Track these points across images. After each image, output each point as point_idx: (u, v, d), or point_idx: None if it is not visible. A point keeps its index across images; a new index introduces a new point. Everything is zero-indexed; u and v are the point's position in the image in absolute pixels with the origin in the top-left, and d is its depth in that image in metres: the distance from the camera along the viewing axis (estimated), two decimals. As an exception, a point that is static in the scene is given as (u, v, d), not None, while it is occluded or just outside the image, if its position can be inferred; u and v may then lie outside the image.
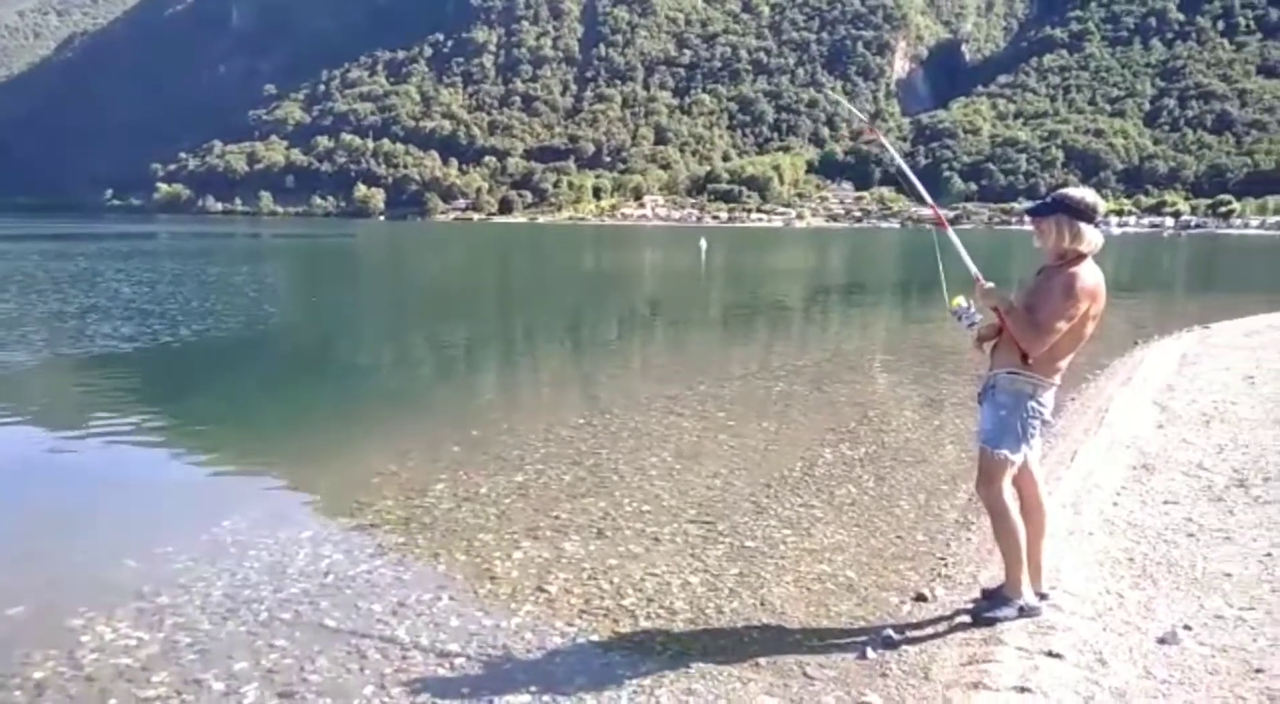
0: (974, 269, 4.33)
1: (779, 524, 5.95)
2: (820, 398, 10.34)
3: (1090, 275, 4.05)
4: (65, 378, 11.96)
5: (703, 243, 57.48)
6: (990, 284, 4.21)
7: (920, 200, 4.86)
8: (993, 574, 4.77)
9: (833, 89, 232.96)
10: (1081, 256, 4.08)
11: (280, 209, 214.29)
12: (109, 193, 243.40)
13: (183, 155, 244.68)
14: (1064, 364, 4.22)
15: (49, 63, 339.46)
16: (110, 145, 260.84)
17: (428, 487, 6.80)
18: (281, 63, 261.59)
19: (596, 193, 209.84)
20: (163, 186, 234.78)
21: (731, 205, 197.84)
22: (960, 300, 4.32)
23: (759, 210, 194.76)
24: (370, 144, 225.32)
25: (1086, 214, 4.05)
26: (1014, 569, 4.32)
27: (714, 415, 9.29)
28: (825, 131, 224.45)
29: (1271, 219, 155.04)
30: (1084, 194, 4.12)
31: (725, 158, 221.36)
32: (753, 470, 7.25)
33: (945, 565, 5.21)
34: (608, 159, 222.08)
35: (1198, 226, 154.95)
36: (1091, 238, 4.06)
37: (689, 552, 5.49)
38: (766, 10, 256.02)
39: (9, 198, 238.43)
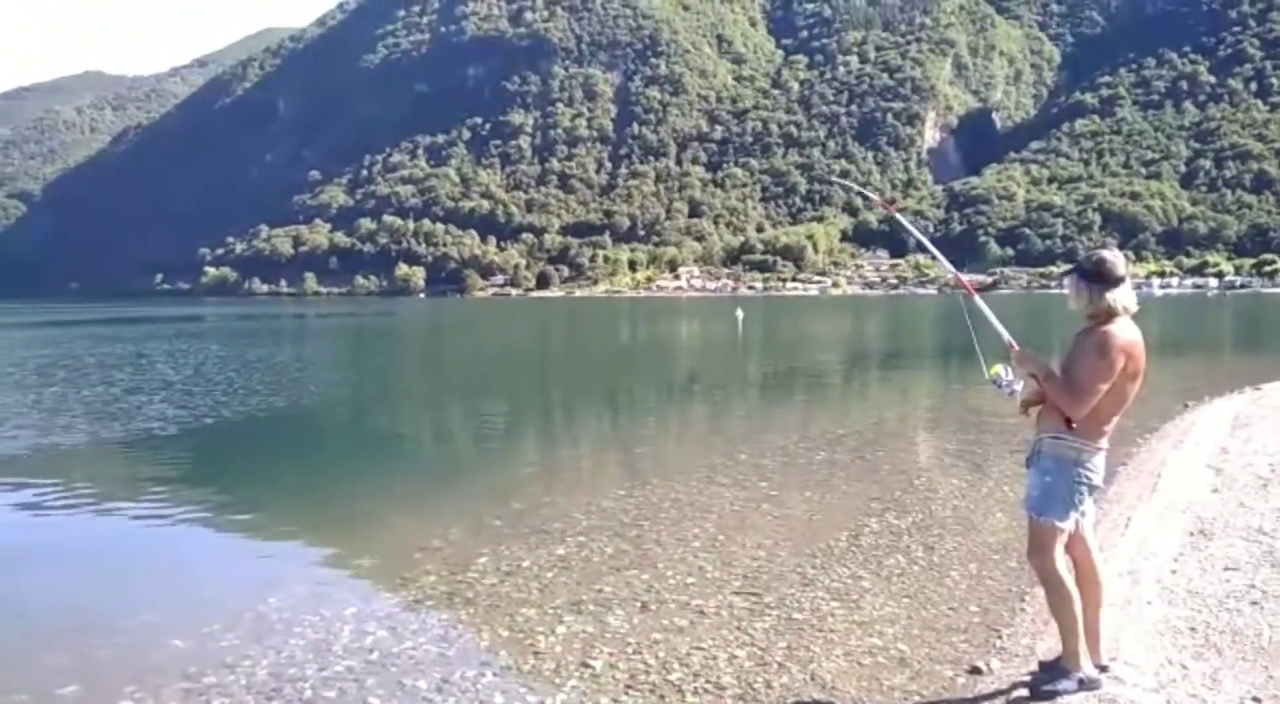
0: (1007, 335, 4.33)
1: (827, 596, 5.84)
2: (863, 466, 10.22)
3: (1124, 333, 4.02)
4: (109, 459, 12.17)
5: (739, 312, 57.68)
6: (1026, 350, 4.21)
7: (949, 269, 4.94)
8: (1050, 646, 4.63)
9: (864, 159, 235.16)
10: (1113, 317, 4.07)
11: (324, 289, 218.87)
12: (159, 277, 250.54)
13: (230, 239, 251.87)
14: (1109, 427, 4.16)
15: (104, 155, 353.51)
16: (160, 232, 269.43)
17: (470, 561, 6.78)
18: (326, 149, 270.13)
19: (632, 266, 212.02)
20: (210, 270, 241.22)
21: (767, 275, 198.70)
22: (999, 368, 4.31)
23: (794, 279, 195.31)
24: (411, 225, 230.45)
25: (1101, 276, 4.06)
26: (1071, 640, 4.19)
27: (756, 485, 9.20)
28: (858, 201, 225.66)
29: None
30: (1104, 256, 4.14)
31: (759, 229, 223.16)
32: (797, 541, 7.15)
33: (1000, 637, 5.06)
34: (642, 233, 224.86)
35: (1242, 286, 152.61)
36: (1119, 298, 4.05)
37: (735, 625, 5.40)
38: (796, 86, 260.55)
39: (62, 284, 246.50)
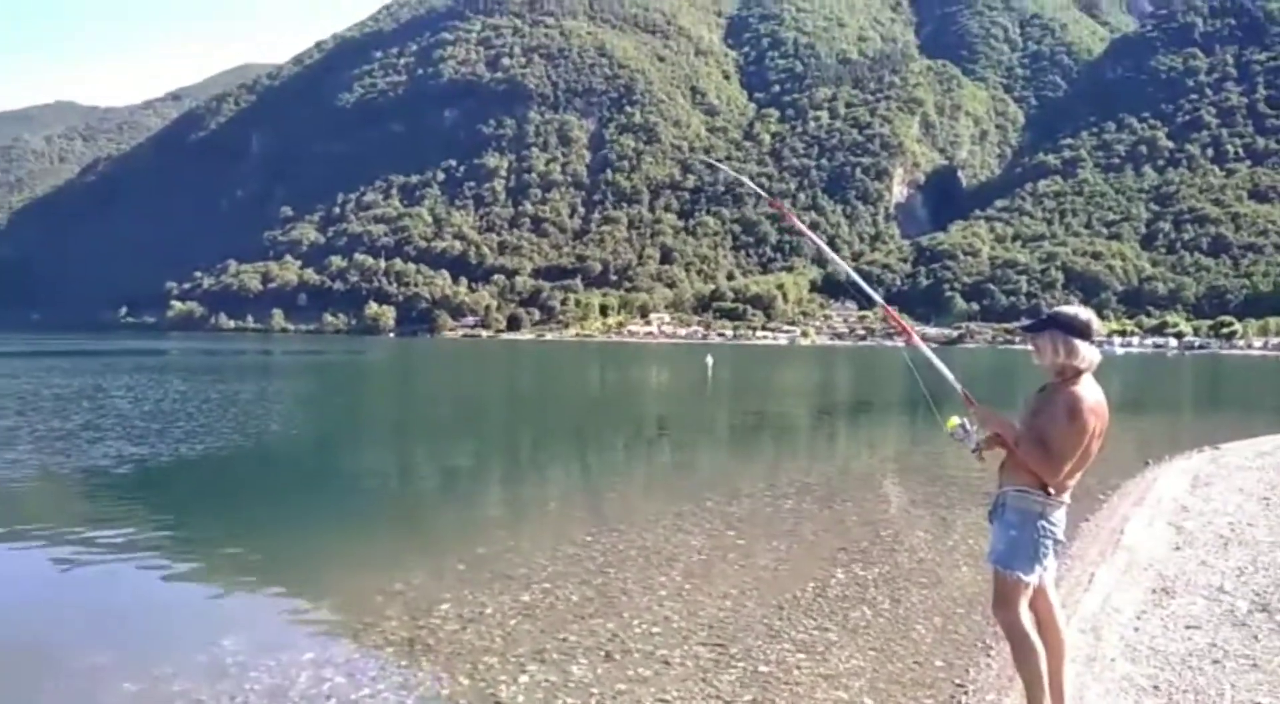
0: (959, 387, 4.35)
1: (793, 648, 5.81)
2: (830, 516, 10.22)
3: (1090, 394, 4.07)
4: (61, 496, 11.86)
5: (709, 359, 57.87)
6: (987, 410, 4.24)
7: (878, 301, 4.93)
8: (1014, 701, 4.63)
9: (834, 212, 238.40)
10: (1079, 373, 4.12)
11: (291, 326, 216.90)
12: (123, 310, 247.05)
13: (197, 274, 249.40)
14: (1073, 483, 4.20)
15: (72, 185, 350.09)
16: (127, 265, 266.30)
17: (432, 606, 6.68)
18: (298, 186, 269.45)
19: (603, 310, 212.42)
20: (176, 304, 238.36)
21: (736, 323, 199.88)
22: (955, 420, 4.33)
23: (764, 328, 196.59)
24: (383, 263, 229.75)
25: (1079, 330, 4.11)
26: (1036, 696, 4.19)
27: (723, 533, 9.17)
28: (828, 252, 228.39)
29: (1274, 340, 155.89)
30: (1078, 311, 4.19)
31: (730, 277, 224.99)
32: (764, 591, 7.12)
33: (965, 692, 5.05)
34: (614, 278, 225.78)
35: (1201, 347, 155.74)
36: (1087, 354, 4.10)
37: (700, 676, 5.35)
38: (767, 138, 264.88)
39: (23, 315, 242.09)
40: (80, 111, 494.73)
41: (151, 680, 5.27)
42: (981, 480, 12.01)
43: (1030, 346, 4.27)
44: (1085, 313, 4.18)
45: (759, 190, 6.29)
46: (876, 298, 5.05)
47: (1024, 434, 4.11)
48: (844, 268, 4.97)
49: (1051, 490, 4.12)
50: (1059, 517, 4.20)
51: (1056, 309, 4.24)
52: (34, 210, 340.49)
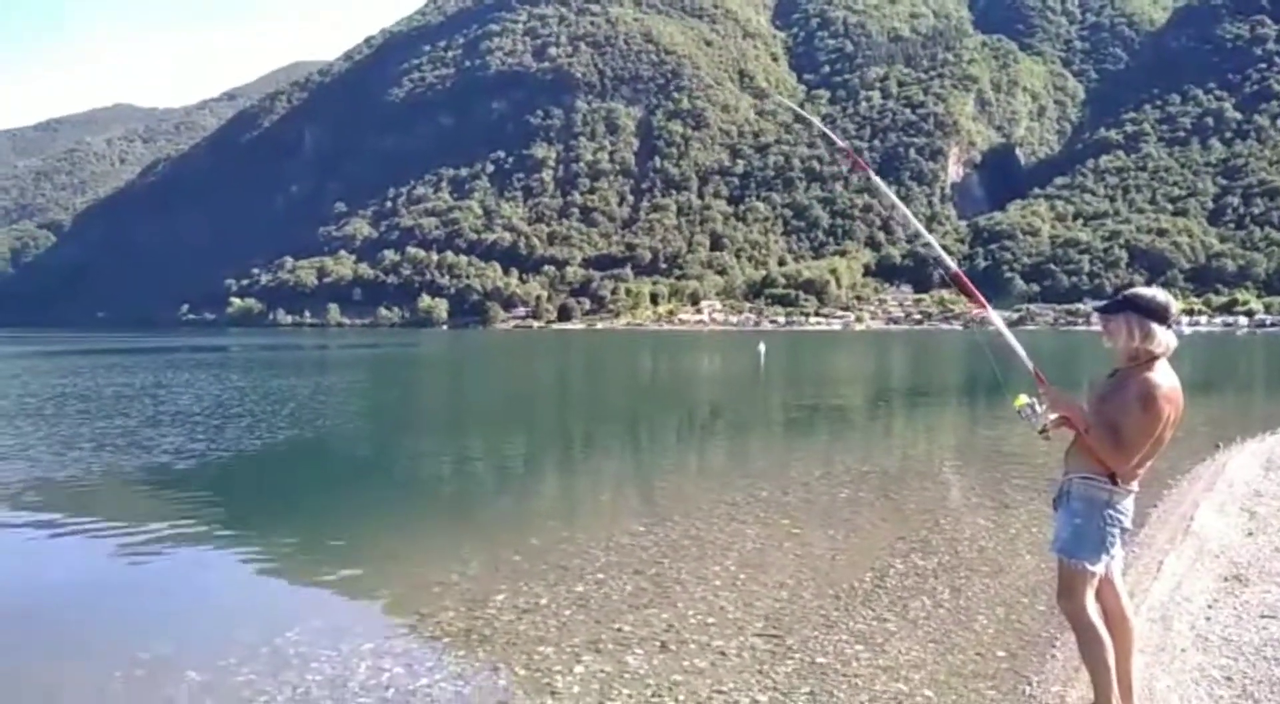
0: (1030, 365, 4.20)
1: (851, 639, 5.73)
2: (888, 505, 10.08)
3: (1166, 380, 3.91)
4: (125, 491, 12.16)
5: (761, 347, 57.57)
6: (1058, 390, 4.09)
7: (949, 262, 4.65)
8: (1081, 694, 4.51)
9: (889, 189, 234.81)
10: (1154, 358, 3.96)
11: (347, 320, 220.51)
12: (184, 307, 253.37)
13: (255, 270, 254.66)
14: (1143, 471, 4.06)
15: (132, 186, 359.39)
16: (186, 263, 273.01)
17: (488, 597, 6.72)
18: (351, 181, 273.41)
19: (654, 299, 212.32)
20: (235, 301, 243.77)
21: (789, 309, 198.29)
22: (1024, 399, 4.20)
23: (817, 314, 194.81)
24: (434, 256, 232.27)
25: (1158, 314, 3.94)
26: (1104, 688, 4.07)
27: (778, 523, 9.09)
28: (881, 235, 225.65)
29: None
30: (1155, 293, 4.01)
31: (781, 262, 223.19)
32: (820, 581, 7.03)
33: (1029, 684, 4.93)
34: (664, 266, 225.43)
35: (1272, 325, 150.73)
36: (1163, 338, 3.94)
37: (756, 668, 5.30)
38: (818, 121, 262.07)
39: (89, 313, 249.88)
40: (139, 114, 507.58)
41: (216, 670, 5.37)
42: (1045, 466, 11.76)
43: (1102, 329, 4.11)
44: (1163, 295, 4.01)
45: (833, 137, 6.02)
46: (950, 263, 4.87)
47: (1094, 420, 3.96)
48: (915, 226, 4.78)
49: (1119, 478, 3.99)
50: (1126, 505, 4.07)
51: (1133, 290, 4.07)
52: (96, 211, 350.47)
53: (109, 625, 6.59)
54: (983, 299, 4.55)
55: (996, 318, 4.44)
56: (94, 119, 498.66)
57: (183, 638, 6.19)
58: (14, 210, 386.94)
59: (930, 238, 4.79)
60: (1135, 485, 4.08)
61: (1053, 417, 4.15)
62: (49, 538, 9.16)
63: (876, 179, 5.39)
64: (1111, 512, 4.04)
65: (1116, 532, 4.08)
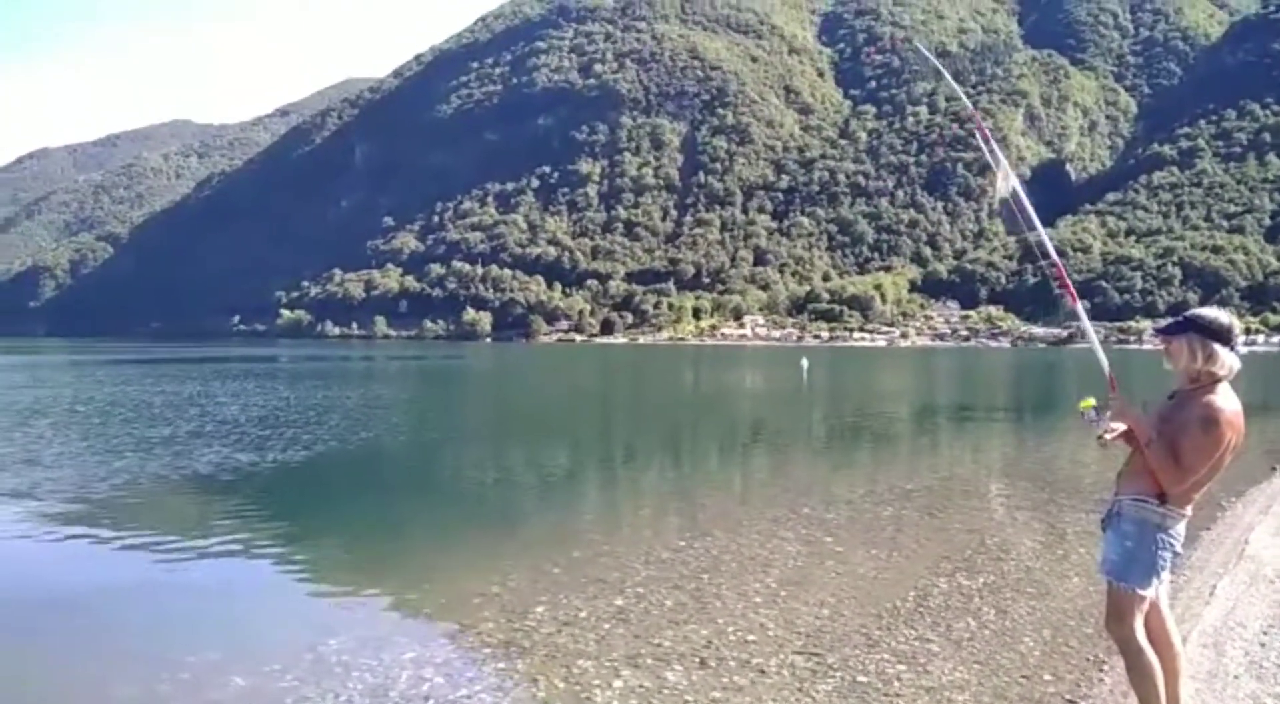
0: (1107, 369, 4.14)
1: (893, 658, 5.66)
2: (932, 524, 9.94)
3: (1229, 404, 3.82)
4: (173, 499, 12.39)
5: (804, 362, 57.19)
6: (1127, 403, 4.00)
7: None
8: (1130, 721, 4.40)
9: (934, 209, 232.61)
10: (1216, 380, 3.87)
11: (393, 332, 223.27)
12: (235, 318, 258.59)
13: (305, 283, 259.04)
14: (1196, 495, 3.98)
15: (187, 200, 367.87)
16: (239, 275, 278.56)
17: (528, 609, 6.74)
18: (399, 196, 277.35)
19: (696, 313, 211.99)
20: (285, 312, 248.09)
21: (833, 324, 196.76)
22: (1091, 401, 4.12)
23: (861, 329, 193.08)
24: (479, 270, 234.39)
25: (1220, 335, 3.86)
26: (1154, 715, 3.98)
27: (820, 540, 9.01)
28: (928, 251, 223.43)
29: None
30: (1218, 314, 3.93)
31: (825, 278, 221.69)
32: (862, 599, 6.96)
33: (1076, 709, 4.83)
34: (707, 280, 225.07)
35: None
36: (1227, 361, 3.86)
37: (797, 685, 5.25)
38: (864, 136, 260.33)
39: (144, 323, 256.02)
40: (195, 129, 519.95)
41: (261, 676, 5.46)
42: (1094, 486, 11.55)
43: (1164, 349, 4.03)
44: (1226, 316, 3.93)
45: (957, 88, 5.93)
46: (1043, 237, 4.75)
47: (1155, 438, 3.88)
48: (1014, 183, 4.70)
49: (1170, 500, 3.90)
50: (1179, 529, 3.98)
51: (1194, 311, 3.99)
52: (153, 224, 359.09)
53: (155, 630, 6.71)
54: (1074, 294, 4.50)
55: (1085, 318, 4.38)
56: (152, 134, 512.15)
57: (228, 644, 6.29)
58: (74, 223, 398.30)
59: (1042, 232, 4.73)
60: (1189, 510, 3.99)
61: (1116, 426, 4.06)
62: (97, 545, 9.36)
63: (994, 147, 5.30)
64: (1164, 535, 3.95)
65: (1168, 556, 4.00)
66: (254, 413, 23.46)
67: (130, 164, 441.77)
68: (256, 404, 26.44)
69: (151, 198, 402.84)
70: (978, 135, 5.21)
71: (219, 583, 8.05)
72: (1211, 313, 3.93)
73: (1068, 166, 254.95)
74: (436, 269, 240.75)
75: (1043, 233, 4.77)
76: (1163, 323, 4.06)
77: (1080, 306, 4.42)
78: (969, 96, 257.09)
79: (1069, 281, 4.54)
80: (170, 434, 18.68)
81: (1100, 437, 4.10)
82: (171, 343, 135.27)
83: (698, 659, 5.68)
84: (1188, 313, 4.02)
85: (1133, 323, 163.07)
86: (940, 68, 6.21)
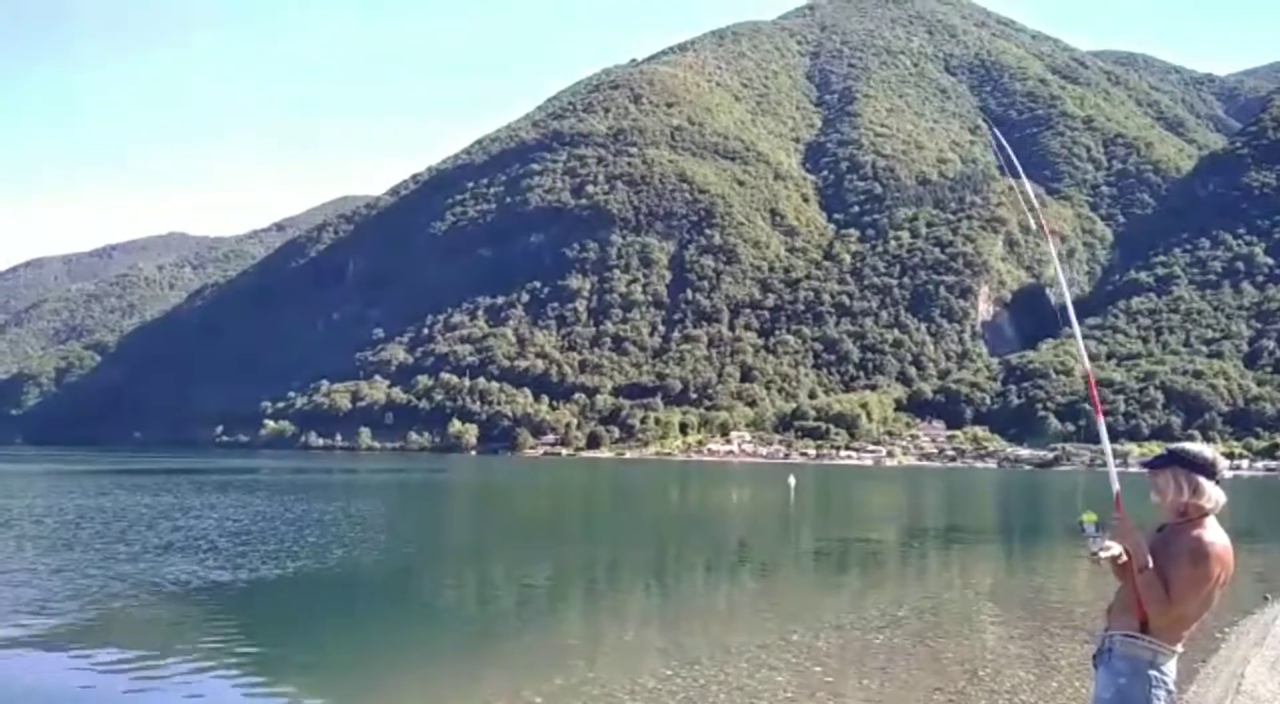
0: (1116, 486, 4.13)
1: (885, 799, 5.46)
2: (924, 653, 9.74)
3: (1218, 539, 3.84)
4: (136, 618, 11.93)
5: (791, 480, 56.79)
6: (1129, 525, 3.98)
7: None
8: None
9: (917, 330, 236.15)
10: (1204, 514, 3.91)
11: (378, 444, 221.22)
12: (219, 429, 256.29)
13: (291, 394, 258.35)
14: (1188, 632, 3.95)
15: (179, 310, 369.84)
16: (226, 386, 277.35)
17: (509, 742, 6.51)
18: (391, 309, 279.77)
19: (683, 429, 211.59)
20: (269, 423, 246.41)
21: (819, 442, 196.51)
22: (1094, 518, 4.09)
23: (848, 447, 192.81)
24: (467, 382, 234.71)
25: (1206, 469, 3.92)
26: None
27: (810, 670, 8.80)
28: (912, 370, 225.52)
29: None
30: (1202, 448, 3.99)
31: (811, 395, 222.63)
32: (853, 734, 6.75)
33: None
34: (694, 396, 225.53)
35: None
36: (1213, 494, 3.90)
37: (787, 829, 5.05)
38: (847, 258, 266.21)
39: (126, 433, 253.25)
40: (191, 242, 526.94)
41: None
42: (1086, 616, 11.38)
43: (1150, 484, 4.06)
44: (1211, 450, 3.99)
45: (1019, 183, 5.58)
46: (1087, 364, 4.84)
47: (1148, 568, 3.86)
48: (1058, 275, 4.80)
49: (1153, 632, 3.87)
50: (1171, 667, 3.94)
51: (1179, 445, 4.05)
52: (142, 334, 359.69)
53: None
54: (1100, 408, 4.56)
55: (1103, 431, 4.42)
56: (148, 246, 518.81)
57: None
58: (63, 331, 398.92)
59: (1075, 325, 4.83)
60: (1180, 647, 3.96)
61: (1111, 546, 4.02)
62: (51, 668, 9.00)
63: (1050, 237, 5.47)
64: (1156, 673, 3.91)
65: (1163, 694, 3.94)
66: (228, 527, 22.88)
67: (124, 274, 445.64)
68: (231, 518, 25.75)
69: (144, 307, 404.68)
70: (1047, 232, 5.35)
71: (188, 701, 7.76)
72: (1196, 447, 3.99)
73: (1047, 291, 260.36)
74: (424, 381, 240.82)
75: (1086, 362, 4.88)
76: (1148, 459, 4.10)
77: (1103, 425, 4.47)
78: (950, 223, 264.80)
79: (1095, 398, 4.62)
80: (139, 549, 18.18)
81: (1095, 553, 4.06)
82: (152, 454, 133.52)
83: (684, 798, 5.48)
84: (1172, 447, 4.06)
85: (1118, 446, 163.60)
86: (1014, 161, 5.90)
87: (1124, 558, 3.97)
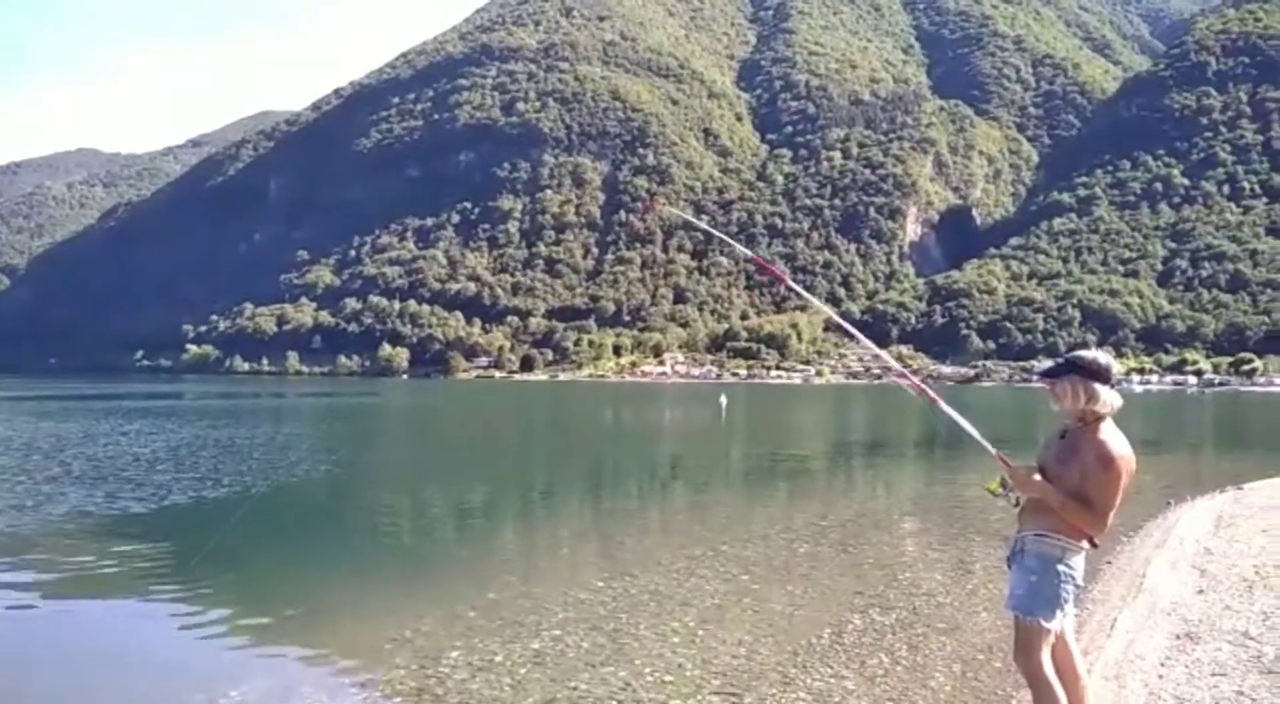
0: (993, 450, 4.26)
1: (809, 697, 5.68)
2: (846, 559, 10.07)
3: (1120, 445, 4.00)
4: (59, 547, 11.65)
5: (723, 399, 57.66)
6: (1024, 473, 4.13)
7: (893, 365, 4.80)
8: (1037, 754, 4.48)
9: (847, 251, 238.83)
10: (1100, 418, 4.05)
11: (306, 369, 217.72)
12: (139, 354, 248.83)
13: (214, 317, 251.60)
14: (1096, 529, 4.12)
15: (91, 230, 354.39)
16: (144, 309, 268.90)
17: (441, 654, 6.58)
18: (315, 230, 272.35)
19: (617, 350, 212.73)
20: (191, 347, 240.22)
21: (750, 362, 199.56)
22: (997, 484, 4.26)
23: (778, 367, 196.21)
24: (397, 305, 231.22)
25: (1101, 375, 4.04)
26: (1060, 747, 4.07)
27: (737, 578, 9.04)
28: (841, 291, 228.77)
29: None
30: (1096, 355, 4.12)
31: (743, 316, 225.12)
32: (779, 637, 6.98)
33: (986, 743, 4.91)
34: (628, 318, 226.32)
35: (1221, 384, 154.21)
36: (1108, 399, 4.04)
37: (713, 727, 5.22)
38: (780, 179, 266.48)
39: (41, 360, 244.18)
40: (102, 158, 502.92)
41: (155, 731, 5.18)
42: (1001, 521, 11.85)
43: (1049, 391, 4.19)
44: (1104, 357, 4.12)
45: (751, 255, 6.32)
46: (892, 363, 4.96)
47: (1064, 493, 4.01)
48: (881, 354, 5.00)
49: (1066, 530, 4.06)
50: (1078, 561, 4.12)
51: (1075, 353, 4.18)
52: (53, 255, 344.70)
53: (49, 686, 6.33)
54: (936, 397, 4.65)
55: (953, 413, 4.52)
56: (55, 163, 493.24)
57: (125, 697, 5.97)
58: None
59: (884, 354, 5.00)
60: (1086, 543, 4.13)
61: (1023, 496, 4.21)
62: (-14, 590, 8.81)
63: (801, 291, 6.38)
64: (1064, 567, 4.08)
65: (1070, 588, 4.12)
66: (145, 455, 22.04)
67: (31, 193, 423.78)
68: (152, 445, 24.93)
69: (53, 228, 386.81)
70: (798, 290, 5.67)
71: (113, 634, 7.66)
72: (1090, 354, 4.12)
73: (974, 212, 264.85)
74: (352, 303, 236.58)
75: (893, 363, 4.96)
76: (1045, 367, 4.23)
77: (946, 405, 4.57)
78: (881, 143, 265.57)
79: (930, 392, 4.74)
80: (55, 475, 17.67)
81: (1016, 503, 4.25)
82: (68, 380, 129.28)
83: (615, 702, 5.62)
84: (1068, 355, 4.20)
85: (1035, 362, 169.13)
86: (744, 249, 6.30)
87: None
